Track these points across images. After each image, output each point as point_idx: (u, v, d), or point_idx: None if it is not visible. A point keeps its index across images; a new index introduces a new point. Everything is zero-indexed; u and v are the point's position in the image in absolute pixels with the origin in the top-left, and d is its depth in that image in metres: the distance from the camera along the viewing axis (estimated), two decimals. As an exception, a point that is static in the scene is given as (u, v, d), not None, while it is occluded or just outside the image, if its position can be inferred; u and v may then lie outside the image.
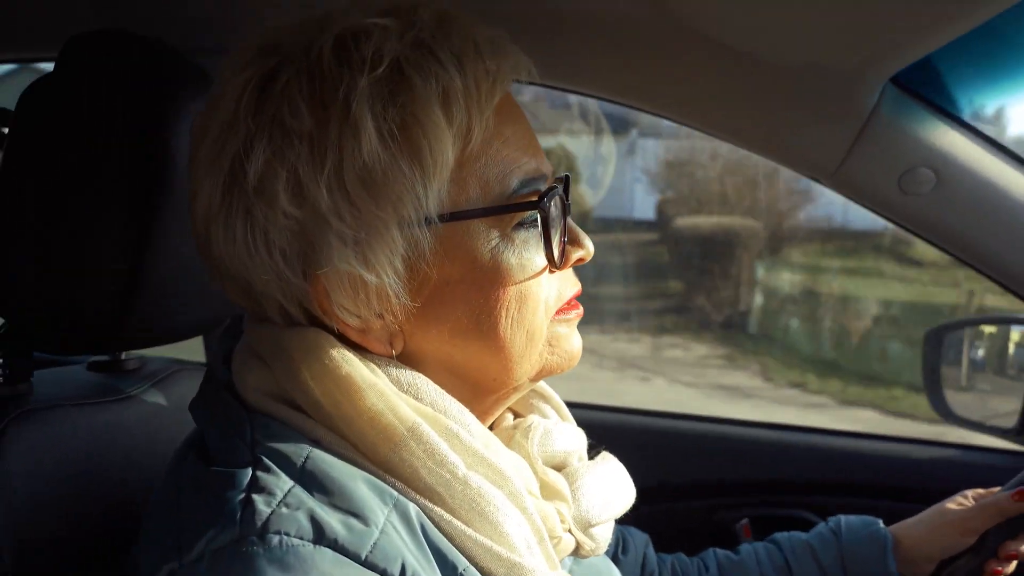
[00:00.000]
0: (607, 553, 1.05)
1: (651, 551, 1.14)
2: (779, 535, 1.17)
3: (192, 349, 1.34)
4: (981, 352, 1.66)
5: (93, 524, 0.86)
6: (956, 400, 1.61)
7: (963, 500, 1.12)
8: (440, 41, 0.69)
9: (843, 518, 1.15)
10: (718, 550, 1.18)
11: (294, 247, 0.68)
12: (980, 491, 1.13)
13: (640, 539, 1.13)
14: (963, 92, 1.17)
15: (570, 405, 0.94)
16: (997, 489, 1.11)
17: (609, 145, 9.44)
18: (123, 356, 1.08)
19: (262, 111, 0.67)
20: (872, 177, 1.19)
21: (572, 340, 0.79)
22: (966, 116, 1.16)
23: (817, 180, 1.25)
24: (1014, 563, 1.08)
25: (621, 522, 1.13)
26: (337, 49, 0.68)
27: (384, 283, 0.68)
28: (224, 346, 0.79)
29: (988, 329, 1.69)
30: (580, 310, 0.80)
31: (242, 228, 0.68)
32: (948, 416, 1.58)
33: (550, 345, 0.77)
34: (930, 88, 1.15)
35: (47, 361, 1.11)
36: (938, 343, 1.64)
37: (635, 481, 0.89)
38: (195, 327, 1.04)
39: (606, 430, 1.49)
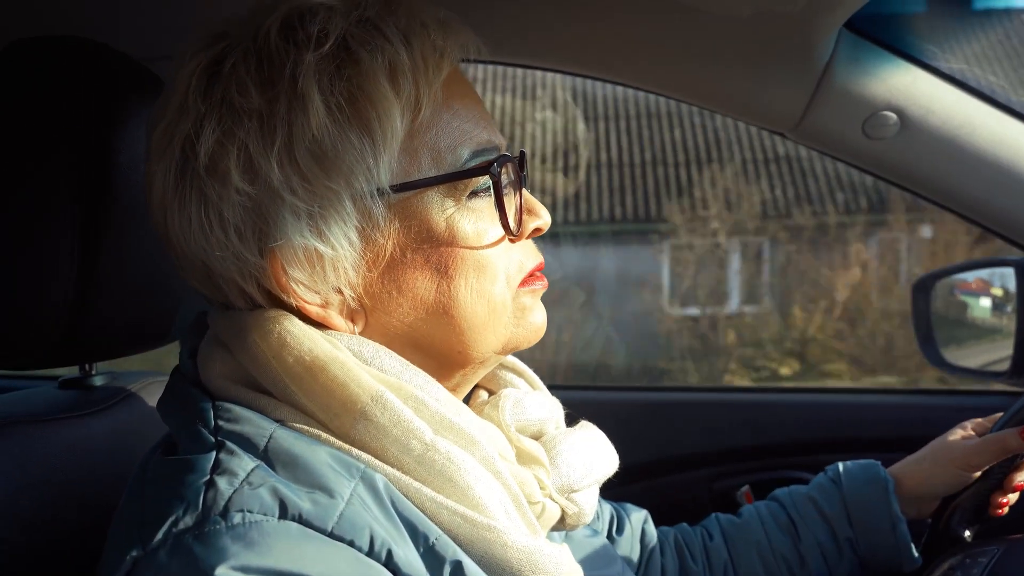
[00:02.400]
0: (599, 530, 1.04)
1: (650, 526, 1.13)
2: (780, 491, 1.16)
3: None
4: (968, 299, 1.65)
5: (63, 537, 0.85)
6: (949, 348, 1.60)
7: (963, 432, 1.11)
8: (386, 19, 0.70)
9: (841, 465, 1.13)
10: (721, 515, 1.17)
11: (248, 224, 0.68)
12: (979, 420, 1.12)
13: (638, 516, 1.12)
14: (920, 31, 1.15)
15: (555, 387, 0.93)
16: (998, 416, 1.09)
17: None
18: (93, 372, 1.07)
19: (211, 93, 0.68)
20: (836, 126, 1.18)
21: (536, 313, 0.79)
22: (924, 55, 1.15)
23: (781, 134, 1.24)
24: (1018, 492, 1.08)
25: (617, 498, 1.12)
26: (283, 29, 0.69)
27: (339, 255, 0.69)
28: (191, 342, 0.79)
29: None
30: (544, 281, 0.80)
31: (196, 210, 0.69)
32: (941, 365, 1.57)
33: (515, 317, 0.77)
34: (886, 31, 1.14)
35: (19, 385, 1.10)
36: (927, 293, 1.62)
37: (630, 457, 0.88)
38: (169, 334, 1.02)
39: (593, 408, 1.48)
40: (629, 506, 1.13)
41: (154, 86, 0.94)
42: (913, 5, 1.14)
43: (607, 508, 1.09)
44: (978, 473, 1.06)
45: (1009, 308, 1.57)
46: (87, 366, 1.07)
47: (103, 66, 0.90)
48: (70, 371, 1.07)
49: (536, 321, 0.79)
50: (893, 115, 1.16)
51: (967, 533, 1.07)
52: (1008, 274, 1.50)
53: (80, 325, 0.87)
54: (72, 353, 0.92)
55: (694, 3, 1.05)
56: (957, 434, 1.11)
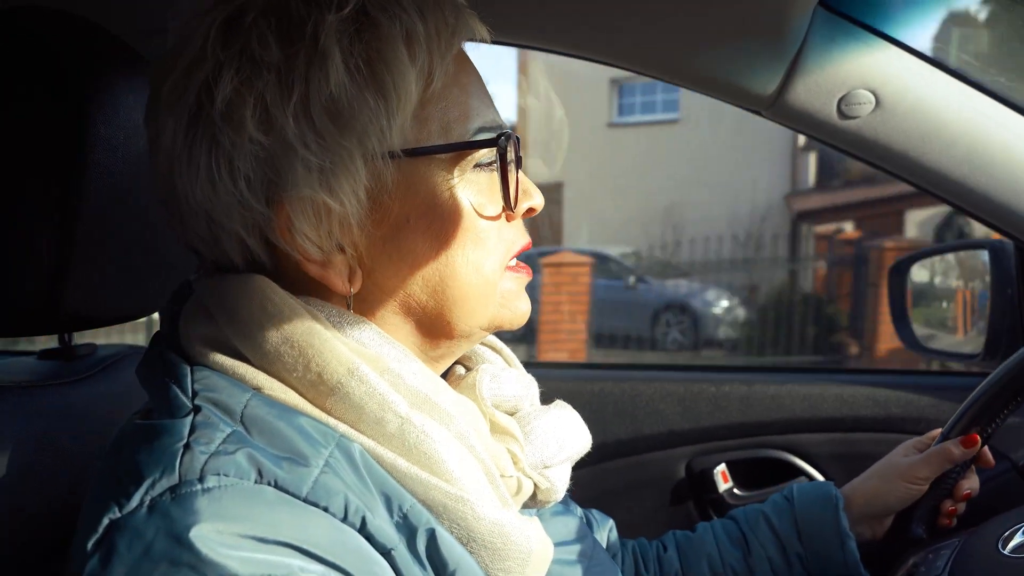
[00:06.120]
0: (571, 507, 1.06)
1: (614, 535, 1.15)
2: (736, 509, 1.20)
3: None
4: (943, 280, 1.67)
5: (47, 501, 0.85)
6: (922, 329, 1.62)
7: (907, 451, 1.15)
8: None
9: (796, 485, 1.17)
10: (677, 531, 1.21)
11: (259, 174, 0.70)
12: (920, 438, 1.17)
13: (604, 523, 1.15)
14: (895, 8, 1.16)
15: (535, 365, 0.94)
16: (936, 433, 1.14)
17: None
18: (74, 343, 1.07)
19: (230, 44, 0.69)
20: (811, 104, 1.19)
21: (521, 299, 0.82)
22: (900, 34, 1.16)
23: (757, 112, 1.24)
24: (965, 502, 1.12)
25: (595, 475, 1.13)
26: None
27: (347, 211, 0.71)
28: (172, 308, 0.80)
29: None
30: (529, 271, 0.83)
31: (206, 156, 0.70)
32: (915, 346, 1.59)
33: (503, 298, 0.79)
34: (861, 8, 1.14)
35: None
36: (902, 275, 1.64)
37: (608, 435, 0.90)
38: (148, 306, 1.03)
39: (571, 387, 1.50)
40: (597, 512, 1.15)
41: (133, 60, 0.94)
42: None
43: (578, 510, 1.10)
44: (926, 486, 1.10)
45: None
46: (66, 337, 1.07)
47: (81, 37, 0.90)
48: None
49: (521, 307, 0.81)
50: (868, 93, 1.16)
51: (924, 534, 1.11)
52: (983, 256, 1.52)
53: (60, 294, 0.87)
54: (52, 322, 0.92)
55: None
56: (901, 453, 1.15)
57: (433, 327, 0.78)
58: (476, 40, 0.78)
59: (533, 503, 0.84)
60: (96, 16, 0.94)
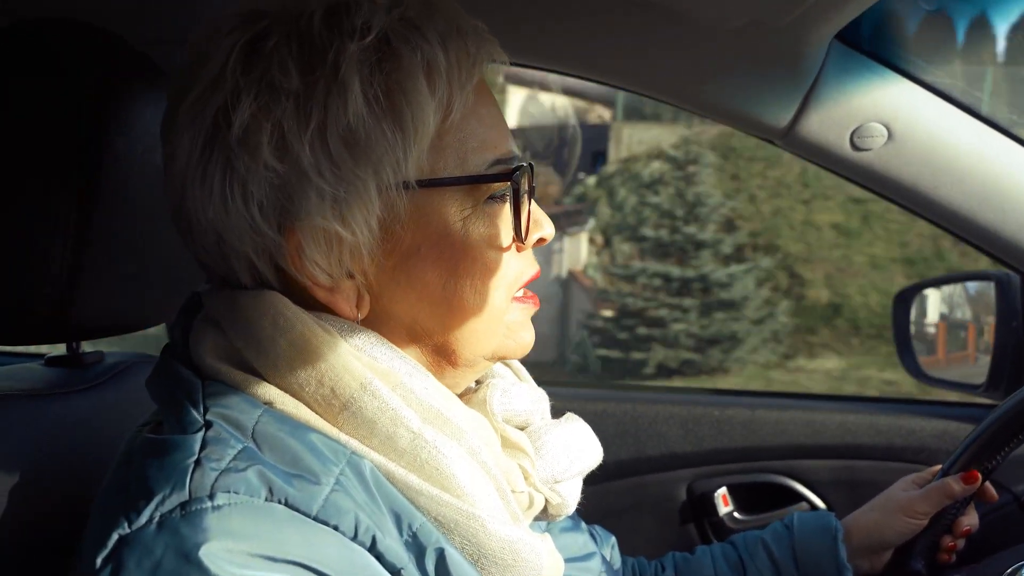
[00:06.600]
0: (580, 522, 1.06)
1: (616, 552, 1.16)
2: (735, 535, 1.20)
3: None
4: (948, 310, 1.67)
5: (46, 514, 0.85)
6: (926, 359, 1.63)
7: (907, 486, 1.15)
8: (425, 20, 0.72)
9: (797, 514, 1.17)
10: (676, 553, 1.21)
11: (272, 200, 0.70)
12: (920, 474, 1.16)
13: (607, 540, 1.15)
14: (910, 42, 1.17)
15: (538, 384, 0.94)
16: (937, 468, 1.14)
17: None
18: (81, 350, 1.07)
19: (251, 70, 0.69)
20: (824, 136, 1.20)
21: (526, 329, 0.82)
22: (914, 68, 1.17)
23: (770, 141, 1.25)
24: (965, 538, 1.12)
25: (598, 494, 1.13)
26: (327, 17, 0.70)
27: (359, 240, 0.71)
28: (182, 321, 0.80)
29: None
30: (536, 302, 0.83)
31: (220, 179, 0.70)
32: (919, 375, 1.59)
33: (508, 328, 0.79)
34: (877, 42, 1.15)
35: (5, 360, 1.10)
36: (907, 304, 1.65)
37: (611, 455, 0.90)
38: (156, 316, 1.03)
39: (576, 407, 1.49)
40: (600, 529, 1.15)
41: (152, 72, 0.94)
42: (906, 19, 1.15)
43: (585, 526, 1.11)
44: (926, 521, 1.10)
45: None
46: (74, 344, 1.07)
47: (102, 49, 0.90)
48: (55, 350, 1.07)
49: (525, 338, 0.81)
50: (881, 127, 1.17)
51: (923, 570, 1.10)
52: (988, 287, 1.52)
53: (70, 303, 0.87)
54: (60, 330, 0.92)
55: (687, 11, 1.06)
56: (900, 487, 1.15)
57: (438, 354, 0.78)
58: (496, 63, 0.78)
59: (544, 516, 0.84)
60: (105, 23, 0.94)
